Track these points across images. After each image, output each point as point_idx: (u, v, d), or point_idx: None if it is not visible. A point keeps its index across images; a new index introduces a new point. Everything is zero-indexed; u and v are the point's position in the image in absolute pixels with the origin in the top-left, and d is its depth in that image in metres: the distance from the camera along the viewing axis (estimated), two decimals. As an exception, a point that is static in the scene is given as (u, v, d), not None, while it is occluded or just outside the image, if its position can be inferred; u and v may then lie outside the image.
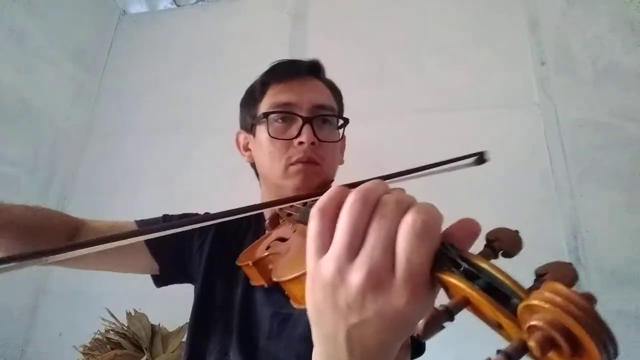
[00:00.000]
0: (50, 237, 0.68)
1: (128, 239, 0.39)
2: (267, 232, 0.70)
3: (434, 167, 0.51)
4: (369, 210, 0.28)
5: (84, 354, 1.11)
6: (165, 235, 0.76)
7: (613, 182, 1.29)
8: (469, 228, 0.28)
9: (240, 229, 0.81)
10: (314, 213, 0.30)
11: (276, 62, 0.80)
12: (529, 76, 1.49)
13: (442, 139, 1.43)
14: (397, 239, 0.26)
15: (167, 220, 0.78)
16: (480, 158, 0.47)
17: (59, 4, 1.77)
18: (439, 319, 0.24)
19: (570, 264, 0.24)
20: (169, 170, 1.70)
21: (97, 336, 1.14)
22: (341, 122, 0.78)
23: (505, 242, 0.27)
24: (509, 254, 0.27)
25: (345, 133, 0.80)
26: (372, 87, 1.61)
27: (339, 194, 0.30)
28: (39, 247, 0.36)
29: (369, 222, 0.28)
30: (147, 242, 0.73)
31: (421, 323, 0.23)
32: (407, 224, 0.26)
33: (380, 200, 0.29)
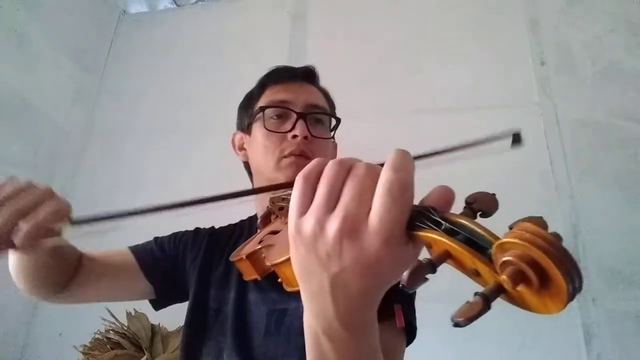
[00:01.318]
0: (61, 271, 0.69)
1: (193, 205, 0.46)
2: (259, 230, 0.70)
3: (463, 148, 0.52)
4: (344, 172, 0.31)
5: (84, 353, 1.11)
6: (159, 258, 0.77)
7: (613, 182, 1.29)
8: (445, 195, 0.31)
9: (233, 235, 0.82)
10: (298, 178, 0.33)
11: (274, 67, 0.83)
12: (529, 76, 1.49)
13: (442, 139, 1.42)
14: (375, 195, 0.29)
15: (159, 243, 0.80)
16: (516, 138, 0.47)
17: (59, 4, 1.77)
18: (422, 270, 0.25)
19: (540, 217, 0.25)
20: (169, 170, 1.70)
21: (97, 336, 1.14)
22: (334, 123, 0.81)
23: (483, 203, 0.29)
24: (486, 214, 0.29)
25: (344, 133, 0.83)
26: (372, 87, 1.61)
27: (320, 164, 0.33)
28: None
29: (344, 182, 0.31)
30: (142, 266, 0.75)
31: (405, 274, 0.25)
32: (382, 181, 0.29)
33: (354, 164, 0.32)
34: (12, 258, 0.62)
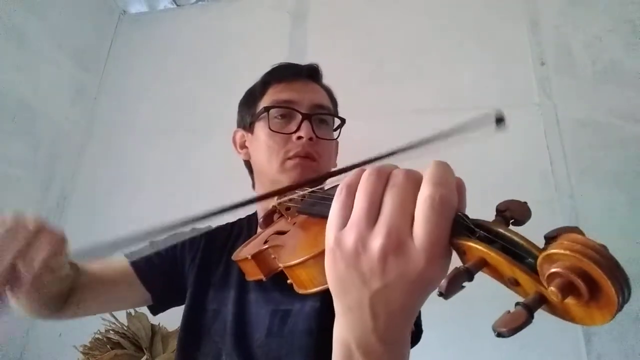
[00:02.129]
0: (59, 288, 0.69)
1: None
2: (261, 230, 0.70)
3: (447, 135, 0.51)
4: (382, 182, 0.31)
5: (84, 353, 1.11)
6: (156, 265, 0.76)
7: (613, 182, 1.29)
8: (458, 187, 0.30)
9: (232, 234, 0.81)
10: (342, 187, 0.32)
11: (277, 65, 0.81)
12: (529, 76, 1.49)
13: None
14: (417, 209, 0.28)
15: (155, 249, 0.79)
16: (499, 119, 0.47)
17: (59, 4, 1.77)
18: (460, 278, 0.25)
19: (576, 227, 0.25)
20: (169, 170, 1.70)
21: (97, 336, 1.14)
22: (337, 123, 0.80)
23: (515, 212, 0.29)
24: (519, 222, 0.29)
25: (343, 133, 0.82)
26: (372, 87, 1.60)
27: (359, 176, 0.32)
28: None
29: (383, 193, 0.30)
30: (138, 272, 0.75)
31: (444, 282, 0.25)
32: (425, 197, 0.28)
33: (392, 173, 0.31)
34: None
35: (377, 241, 0.29)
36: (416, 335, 0.60)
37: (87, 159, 1.82)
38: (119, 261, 0.77)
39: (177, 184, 1.65)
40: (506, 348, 1.18)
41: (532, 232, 0.28)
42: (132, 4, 2.08)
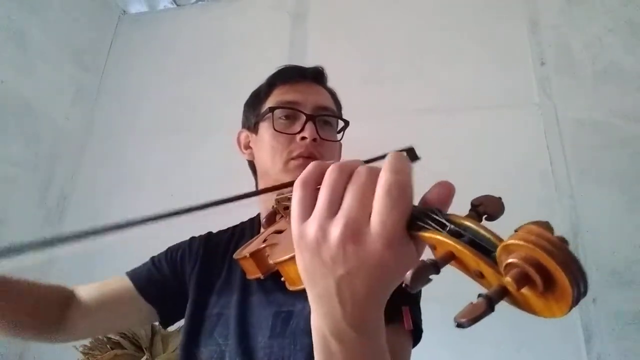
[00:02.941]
0: (43, 313, 0.70)
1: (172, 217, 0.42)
2: (263, 230, 0.70)
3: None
4: (345, 177, 0.32)
5: (84, 353, 1.11)
6: (157, 280, 0.76)
7: (613, 182, 1.29)
8: (445, 190, 0.31)
9: (234, 238, 0.81)
10: (297, 184, 0.34)
11: (282, 66, 0.82)
12: (529, 76, 1.49)
13: (442, 139, 1.43)
14: (374, 198, 0.29)
15: (156, 263, 0.79)
16: (411, 153, 0.47)
17: (59, 4, 1.78)
18: (426, 271, 0.25)
19: (546, 221, 0.25)
20: (169, 170, 1.70)
21: (97, 336, 1.14)
22: (341, 125, 0.81)
23: (488, 206, 0.29)
24: (492, 217, 0.29)
25: (342, 138, 0.82)
26: (372, 87, 1.61)
27: (319, 168, 0.34)
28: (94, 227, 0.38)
29: (345, 187, 0.31)
30: (141, 291, 0.75)
31: (409, 274, 0.25)
32: (381, 184, 0.29)
33: (355, 168, 0.32)
34: None
35: (335, 230, 0.30)
36: (417, 336, 0.61)
37: (87, 159, 1.82)
38: (120, 279, 0.76)
39: (177, 184, 1.65)
40: (505, 348, 1.18)
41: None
42: (132, 4, 2.08)
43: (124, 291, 0.75)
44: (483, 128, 1.42)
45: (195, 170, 1.66)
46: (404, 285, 0.26)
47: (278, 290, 0.65)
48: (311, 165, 0.35)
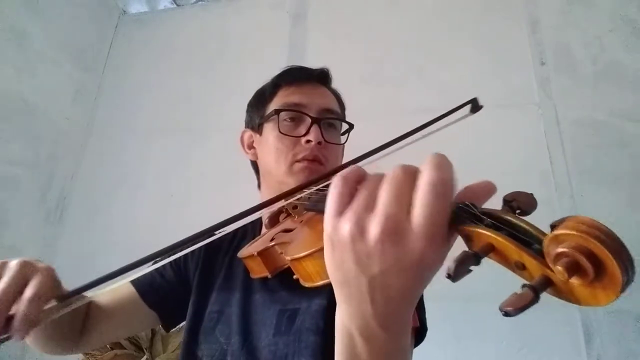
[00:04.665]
0: (75, 323, 0.70)
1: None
2: (266, 230, 0.70)
3: (429, 125, 0.52)
4: (380, 177, 0.32)
5: (84, 353, 1.11)
6: (159, 285, 0.76)
7: (613, 182, 1.29)
8: (488, 188, 0.32)
9: (236, 238, 0.82)
10: (337, 179, 0.33)
11: (288, 67, 0.82)
12: (529, 76, 1.49)
13: (442, 139, 1.43)
14: (415, 195, 0.29)
15: (158, 269, 0.79)
16: (474, 105, 0.48)
17: (59, 4, 1.77)
18: (468, 261, 0.26)
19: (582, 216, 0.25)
20: (169, 170, 1.70)
21: (101, 345, 1.14)
22: (345, 127, 0.81)
23: (522, 202, 0.29)
24: (525, 212, 0.29)
25: (347, 140, 0.82)
26: (372, 87, 1.61)
27: (360, 171, 0.34)
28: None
29: (381, 183, 0.31)
30: (144, 297, 0.75)
31: (452, 264, 0.25)
32: (424, 181, 0.29)
33: (393, 168, 0.32)
34: None
35: (374, 227, 0.29)
36: (421, 334, 0.61)
37: (87, 159, 1.82)
38: (126, 287, 0.76)
39: (177, 184, 1.65)
40: (506, 348, 1.18)
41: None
42: (132, 4, 2.08)
43: (131, 299, 0.75)
44: (483, 128, 1.42)
45: (195, 170, 1.66)
46: (446, 275, 0.26)
47: (282, 288, 0.65)
48: (354, 167, 0.34)
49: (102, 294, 0.73)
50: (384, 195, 0.30)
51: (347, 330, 0.34)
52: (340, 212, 0.31)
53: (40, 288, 0.44)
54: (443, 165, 0.29)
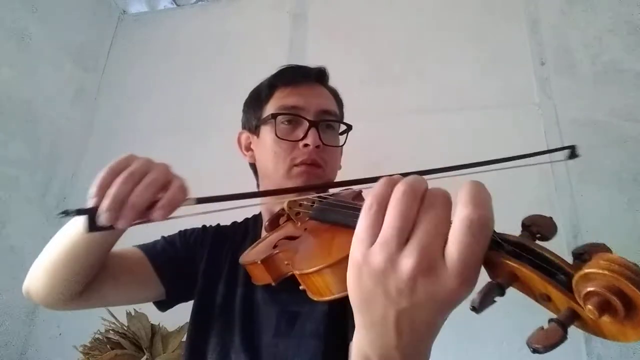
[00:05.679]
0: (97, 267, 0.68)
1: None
2: (265, 234, 0.69)
3: (510, 160, 0.52)
4: (417, 201, 0.29)
5: (84, 353, 1.11)
6: (172, 258, 0.76)
7: (613, 182, 1.29)
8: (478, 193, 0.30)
9: (238, 235, 0.82)
10: (369, 205, 0.31)
11: (284, 67, 0.81)
12: (529, 76, 1.49)
13: (442, 139, 1.43)
14: (452, 230, 0.27)
15: (169, 242, 0.78)
16: (572, 152, 0.48)
17: (59, 4, 1.77)
18: (493, 293, 0.25)
19: (603, 244, 0.25)
20: (169, 170, 1.69)
21: (97, 336, 1.14)
22: (343, 128, 0.80)
23: (541, 226, 0.29)
24: (545, 237, 0.29)
25: (346, 141, 0.82)
26: (372, 87, 1.60)
27: (389, 186, 0.31)
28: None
29: (417, 213, 0.29)
30: (156, 266, 0.74)
31: (477, 297, 0.25)
32: (462, 218, 0.27)
33: (428, 193, 0.30)
34: (65, 247, 0.60)
35: (407, 262, 0.28)
36: None
37: (87, 159, 1.81)
38: (134, 251, 0.75)
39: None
40: (506, 348, 1.18)
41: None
42: (132, 4, 2.08)
43: (140, 265, 0.73)
44: (483, 128, 1.42)
45: (195, 170, 1.65)
46: (471, 307, 0.25)
47: (283, 290, 0.65)
48: (383, 183, 0.31)
49: (113, 253, 0.70)
50: (421, 227, 0.28)
51: (366, 356, 0.33)
52: (371, 241, 0.30)
53: (184, 183, 0.50)
54: (482, 201, 0.27)
